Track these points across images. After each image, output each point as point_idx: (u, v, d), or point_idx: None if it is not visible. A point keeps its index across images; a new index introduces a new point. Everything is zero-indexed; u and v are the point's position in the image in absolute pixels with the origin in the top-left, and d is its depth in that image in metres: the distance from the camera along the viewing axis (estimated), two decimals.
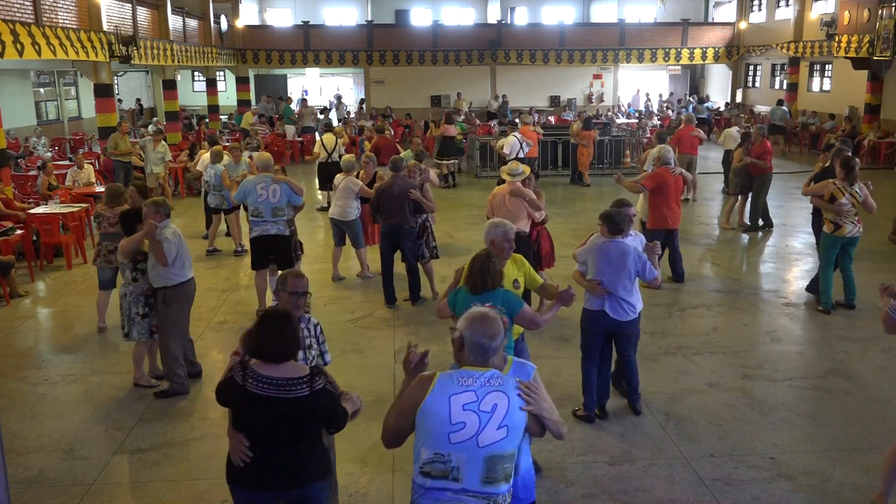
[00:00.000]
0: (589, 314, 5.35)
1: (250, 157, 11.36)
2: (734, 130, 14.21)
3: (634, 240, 5.40)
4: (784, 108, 22.46)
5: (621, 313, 5.25)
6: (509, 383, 2.79)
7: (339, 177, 9.01)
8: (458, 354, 2.87)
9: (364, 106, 27.49)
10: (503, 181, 7.60)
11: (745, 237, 11.32)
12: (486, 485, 2.73)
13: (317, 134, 18.43)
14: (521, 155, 13.24)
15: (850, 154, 8.01)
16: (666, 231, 8.41)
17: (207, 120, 24.44)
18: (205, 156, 11.70)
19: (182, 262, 5.88)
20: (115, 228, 6.96)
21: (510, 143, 13.50)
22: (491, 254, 4.35)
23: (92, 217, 10.41)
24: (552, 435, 2.95)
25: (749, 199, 11.61)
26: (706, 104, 26.84)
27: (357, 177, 9.09)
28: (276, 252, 7.62)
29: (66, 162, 15.59)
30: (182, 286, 5.93)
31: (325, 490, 3.34)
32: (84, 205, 10.96)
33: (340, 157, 12.87)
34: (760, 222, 11.52)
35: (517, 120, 16.40)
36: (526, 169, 7.40)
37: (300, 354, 3.63)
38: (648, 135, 18.72)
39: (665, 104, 27.70)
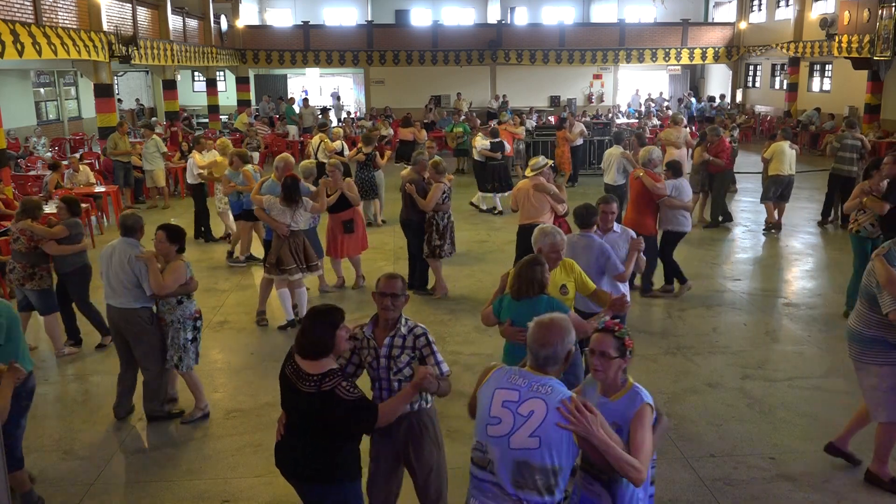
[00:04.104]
0: None
1: None
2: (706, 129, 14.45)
3: (622, 235, 5.67)
4: (816, 111, 22.50)
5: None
6: (554, 396, 2.70)
7: None
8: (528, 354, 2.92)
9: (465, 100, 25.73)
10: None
11: (705, 231, 11.52)
12: (517, 488, 2.72)
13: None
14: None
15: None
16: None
17: (208, 120, 24.48)
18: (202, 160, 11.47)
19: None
20: (17, 245, 6.70)
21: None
22: (536, 259, 4.22)
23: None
24: (624, 476, 2.77)
25: (710, 197, 11.97)
26: (709, 103, 26.68)
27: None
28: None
29: (66, 162, 15.55)
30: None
31: (328, 495, 3.34)
32: (84, 205, 10.93)
33: (329, 158, 12.81)
34: (720, 218, 11.92)
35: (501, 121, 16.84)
36: (549, 161, 7.73)
37: (382, 362, 3.58)
38: (650, 135, 18.72)
39: (650, 103, 27.52)
